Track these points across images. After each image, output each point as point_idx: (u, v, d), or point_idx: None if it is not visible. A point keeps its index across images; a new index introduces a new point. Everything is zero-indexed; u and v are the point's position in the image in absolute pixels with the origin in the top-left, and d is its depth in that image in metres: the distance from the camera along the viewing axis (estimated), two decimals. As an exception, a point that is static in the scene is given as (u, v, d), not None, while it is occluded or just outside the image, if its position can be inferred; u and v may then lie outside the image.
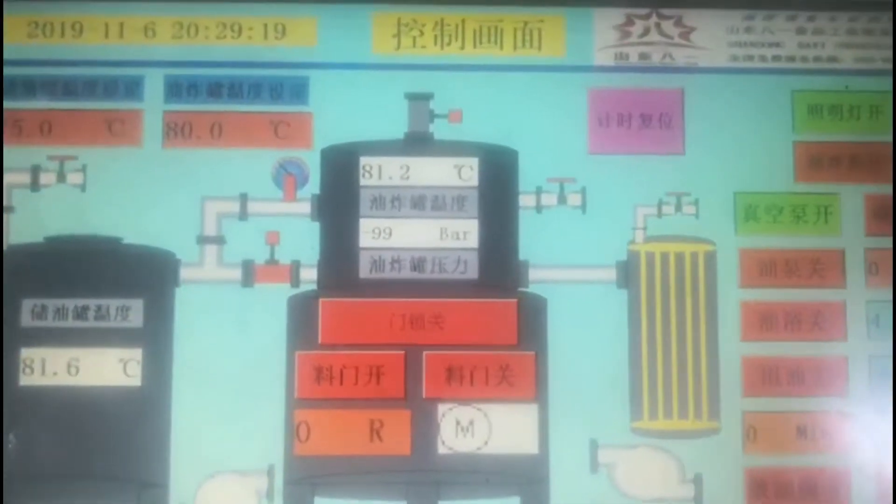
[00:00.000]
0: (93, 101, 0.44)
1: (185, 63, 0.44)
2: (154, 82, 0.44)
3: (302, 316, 0.42)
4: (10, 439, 0.41)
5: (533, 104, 0.44)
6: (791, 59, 0.45)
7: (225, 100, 0.44)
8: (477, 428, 0.42)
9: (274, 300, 0.42)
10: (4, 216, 0.43)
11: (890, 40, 0.44)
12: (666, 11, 0.45)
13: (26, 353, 0.42)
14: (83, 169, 0.43)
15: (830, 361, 0.42)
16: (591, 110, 0.44)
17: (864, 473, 0.41)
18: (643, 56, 0.45)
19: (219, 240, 0.43)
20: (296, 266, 0.43)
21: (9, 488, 0.41)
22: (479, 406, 0.42)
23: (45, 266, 0.43)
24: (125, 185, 0.43)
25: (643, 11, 0.45)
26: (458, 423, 0.42)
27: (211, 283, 0.43)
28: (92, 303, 0.42)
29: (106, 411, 0.42)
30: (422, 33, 0.44)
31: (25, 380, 0.42)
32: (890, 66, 0.44)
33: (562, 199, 0.43)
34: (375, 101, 0.44)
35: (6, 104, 0.43)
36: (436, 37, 0.44)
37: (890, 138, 0.44)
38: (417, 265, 0.43)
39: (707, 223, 0.43)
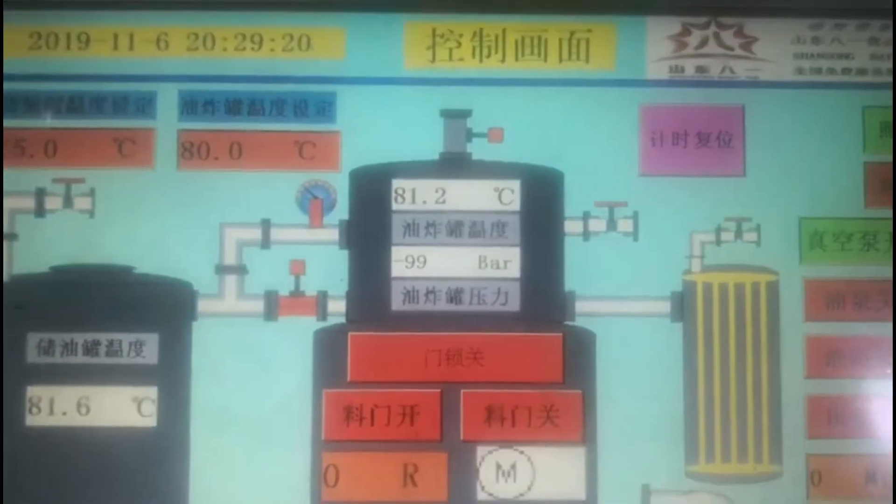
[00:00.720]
0: (101, 118, 0.57)
1: (200, 77, 0.57)
2: (167, 98, 0.57)
3: (329, 351, 0.55)
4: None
5: (580, 121, 0.57)
6: (862, 72, 0.58)
7: (245, 118, 0.57)
8: (519, 472, 0.55)
9: (299, 334, 0.55)
10: (8, 244, 0.56)
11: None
12: (726, 20, 0.58)
13: (33, 391, 0.55)
14: (91, 193, 0.56)
15: (903, 402, 0.55)
16: (643, 128, 0.57)
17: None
18: (700, 69, 0.58)
19: (239, 269, 0.56)
20: (323, 297, 0.56)
21: (16, 536, 0.54)
22: (522, 449, 0.55)
23: (51, 298, 0.56)
24: (137, 210, 0.56)
25: (701, 20, 0.58)
26: (498, 467, 0.55)
27: (231, 316, 0.56)
28: (103, 337, 0.56)
29: (119, 453, 0.55)
30: (459, 45, 0.58)
31: (32, 420, 0.55)
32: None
33: (611, 225, 0.56)
34: (408, 119, 0.57)
35: (7, 122, 0.57)
36: (474, 48, 0.58)
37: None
38: (454, 296, 0.56)
39: (769, 251, 0.56)
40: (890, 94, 0.57)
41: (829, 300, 0.56)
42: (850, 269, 0.56)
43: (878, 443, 0.55)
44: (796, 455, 0.55)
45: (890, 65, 0.58)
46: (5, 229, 0.56)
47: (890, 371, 0.55)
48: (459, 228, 0.57)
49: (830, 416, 0.55)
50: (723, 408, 0.55)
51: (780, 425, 0.55)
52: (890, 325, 0.56)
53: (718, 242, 0.56)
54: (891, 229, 0.56)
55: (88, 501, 0.54)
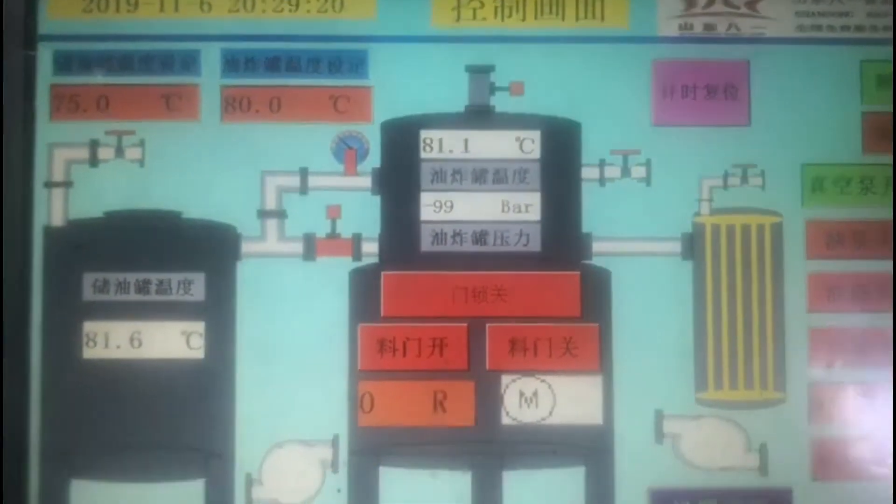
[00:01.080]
0: (149, 75, 0.63)
1: (242, 37, 0.63)
2: (211, 56, 0.63)
3: (364, 289, 0.61)
4: None
5: (596, 76, 0.63)
6: (860, 28, 0.63)
7: (283, 74, 0.63)
8: (541, 399, 0.60)
9: (336, 273, 0.61)
10: (64, 191, 0.62)
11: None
12: (731, -20, 0.64)
13: (89, 326, 0.61)
14: (141, 144, 0.62)
15: (898, 333, 0.61)
16: (655, 82, 0.63)
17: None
18: (708, 27, 0.63)
19: (280, 214, 0.62)
20: (357, 239, 0.62)
21: (75, 461, 0.60)
22: (543, 377, 0.61)
23: (105, 241, 0.62)
24: (184, 159, 0.62)
25: (708, -19, 0.64)
26: (521, 394, 0.60)
27: (272, 256, 0.61)
28: (153, 277, 0.61)
29: (170, 383, 0.60)
30: (482, 5, 0.63)
31: (89, 353, 0.61)
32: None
33: (625, 172, 0.62)
34: (435, 75, 0.63)
35: (62, 79, 0.63)
36: (496, 8, 0.63)
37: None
38: (479, 238, 0.62)
39: (773, 195, 0.62)
40: (885, 48, 0.63)
41: (829, 240, 0.62)
42: (849, 211, 0.62)
43: (876, 371, 0.61)
44: (799, 383, 0.61)
45: (886, 21, 0.63)
46: (62, 177, 0.62)
47: (886, 305, 0.61)
48: (484, 175, 0.62)
49: (831, 347, 0.61)
50: (730, 339, 0.61)
51: (784, 355, 0.61)
52: (885, 262, 0.61)
53: (726, 187, 0.62)
54: (886, 174, 0.62)
55: (141, 428, 0.60)
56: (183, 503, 0.60)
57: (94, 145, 0.62)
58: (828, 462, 0.60)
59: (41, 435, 0.60)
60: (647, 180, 0.62)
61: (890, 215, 0.62)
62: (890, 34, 0.63)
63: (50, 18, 0.63)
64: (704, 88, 0.63)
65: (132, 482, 0.60)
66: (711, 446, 0.60)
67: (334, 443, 0.60)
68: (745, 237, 0.62)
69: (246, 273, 0.61)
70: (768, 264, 0.62)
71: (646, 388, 0.61)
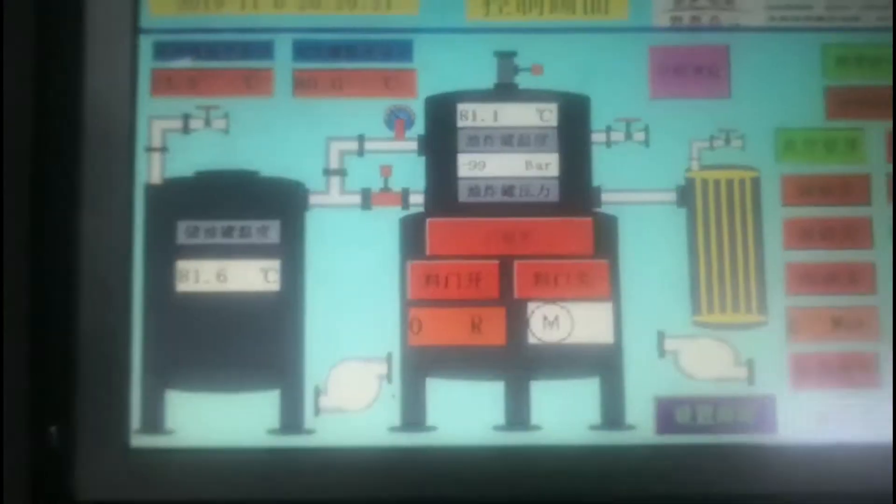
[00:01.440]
0: (232, 60, 0.74)
1: (309, 29, 0.74)
2: (283, 45, 0.74)
3: (412, 233, 0.72)
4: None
5: (602, 59, 0.74)
6: (820, 19, 0.75)
7: (343, 59, 0.74)
8: (561, 322, 0.70)
9: (388, 220, 0.72)
10: (161, 155, 0.73)
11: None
12: (713, -18, 0.75)
13: (182, 265, 0.71)
14: (226, 116, 0.73)
15: (859, 266, 0.71)
16: (651, 64, 0.74)
17: (889, 357, 0.70)
18: (694, 18, 0.75)
19: (341, 172, 0.72)
20: (406, 192, 0.72)
21: (170, 375, 0.70)
22: (563, 304, 0.71)
23: (196, 195, 0.72)
24: (262, 128, 0.73)
25: (694, -18, 0.75)
26: (545, 318, 0.70)
27: (335, 207, 0.72)
28: (237, 224, 0.72)
29: (250, 311, 0.71)
30: (507, 2, 0.75)
31: (182, 287, 0.71)
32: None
33: (628, 136, 0.73)
34: (469, 59, 0.73)
35: (160, 64, 0.74)
36: (519, 4, 0.75)
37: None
38: (507, 191, 0.72)
39: (752, 154, 0.73)
40: (842, 34, 0.74)
41: (801, 190, 0.72)
42: (816, 166, 0.73)
43: (842, 297, 0.71)
44: (778, 307, 0.71)
45: (844, 13, 0.74)
46: (160, 144, 0.73)
47: (849, 243, 0.71)
48: (510, 140, 0.73)
49: (804, 278, 0.71)
50: (719, 271, 0.71)
51: (765, 285, 0.71)
52: (847, 208, 0.72)
53: (712, 148, 0.73)
54: (847, 136, 0.73)
55: (225, 348, 0.70)
56: (260, 410, 0.70)
57: (186, 117, 0.73)
58: (803, 373, 0.70)
59: (142, 354, 0.70)
60: (647, 143, 0.73)
61: (850, 171, 0.72)
62: (846, 23, 0.74)
63: (151, 15, 0.74)
64: (692, 68, 0.74)
65: (218, 392, 0.70)
66: (706, 361, 0.70)
67: (389, 359, 0.70)
68: (729, 189, 0.72)
69: (313, 220, 0.72)
70: (749, 211, 0.72)
71: (649, 312, 0.71)
